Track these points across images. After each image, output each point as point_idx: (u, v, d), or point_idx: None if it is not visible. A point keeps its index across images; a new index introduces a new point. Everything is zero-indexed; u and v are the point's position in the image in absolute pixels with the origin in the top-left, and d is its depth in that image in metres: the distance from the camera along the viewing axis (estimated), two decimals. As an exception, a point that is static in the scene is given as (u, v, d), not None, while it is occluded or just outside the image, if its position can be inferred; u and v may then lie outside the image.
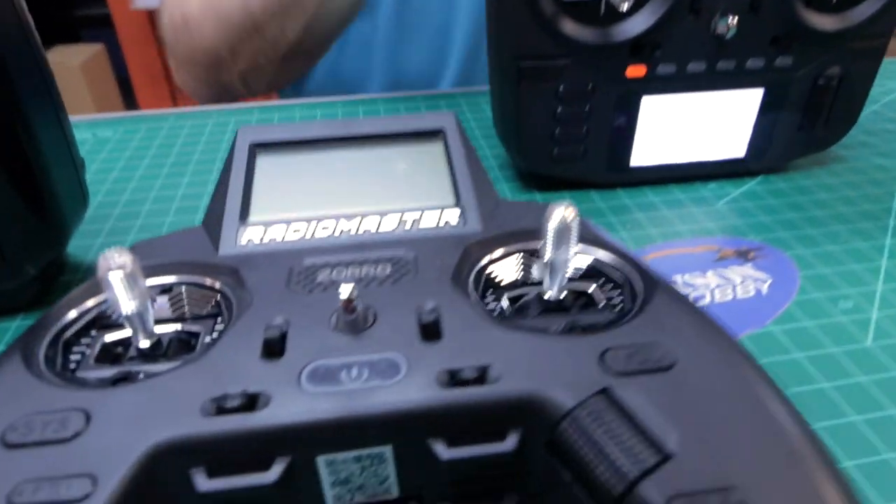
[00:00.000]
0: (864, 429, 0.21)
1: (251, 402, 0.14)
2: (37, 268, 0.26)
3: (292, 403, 0.14)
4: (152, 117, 0.45)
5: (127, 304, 0.15)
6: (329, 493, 0.14)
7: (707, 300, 0.27)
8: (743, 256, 0.29)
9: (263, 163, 0.22)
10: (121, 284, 0.15)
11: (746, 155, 0.35)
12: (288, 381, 0.14)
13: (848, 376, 0.23)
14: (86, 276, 0.29)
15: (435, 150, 0.23)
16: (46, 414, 0.13)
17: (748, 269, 0.29)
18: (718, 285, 0.28)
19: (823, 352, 0.24)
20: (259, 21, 0.48)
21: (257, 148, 0.23)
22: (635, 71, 0.31)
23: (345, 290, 0.15)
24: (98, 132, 0.43)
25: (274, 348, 0.15)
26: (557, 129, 0.32)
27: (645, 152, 0.34)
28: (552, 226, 0.17)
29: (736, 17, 0.29)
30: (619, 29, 0.30)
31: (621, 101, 0.32)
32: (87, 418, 0.13)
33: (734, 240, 0.31)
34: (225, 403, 0.14)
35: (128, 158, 0.40)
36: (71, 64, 1.67)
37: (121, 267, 0.15)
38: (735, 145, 0.34)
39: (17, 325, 0.26)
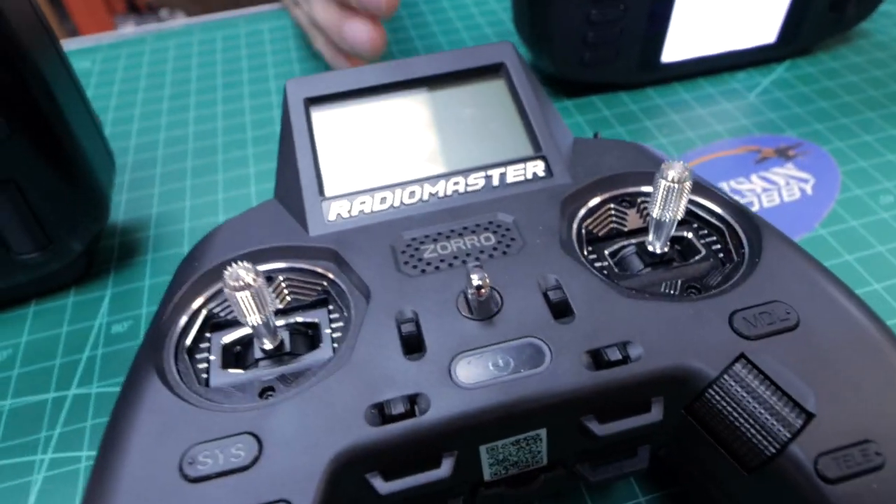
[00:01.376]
0: (917, 326, 0.23)
1: (412, 406, 0.14)
2: (83, 244, 0.24)
3: (452, 403, 0.14)
4: (131, 41, 0.41)
5: (254, 318, 0.15)
6: (487, 471, 0.15)
7: (756, 207, 0.28)
8: (783, 155, 0.30)
9: (322, 121, 0.21)
10: (250, 302, 0.14)
11: (777, 40, 0.34)
12: (440, 379, 0.14)
13: (896, 275, 0.24)
14: (125, 239, 0.28)
15: (499, 88, 0.22)
16: (217, 442, 0.14)
17: (791, 170, 0.29)
18: (765, 189, 0.28)
19: (872, 252, 0.25)
20: None
21: (311, 104, 0.21)
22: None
23: (475, 277, 0.15)
24: (75, 63, 0.39)
25: (414, 345, 0.15)
26: (591, 33, 0.31)
27: (677, 47, 0.33)
28: (664, 185, 0.16)
29: None
30: (662, -82, 0.27)
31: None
32: (259, 442, 0.14)
33: (773, 137, 0.31)
34: (389, 410, 0.14)
35: (119, 94, 0.37)
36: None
37: (248, 287, 0.14)
38: (766, 31, 0.33)
39: (72, 302, 0.26)
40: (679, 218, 0.17)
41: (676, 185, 0.16)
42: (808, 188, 0.28)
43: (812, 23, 0.33)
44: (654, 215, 0.17)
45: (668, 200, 0.17)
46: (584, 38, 0.31)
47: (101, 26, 1.71)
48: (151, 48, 0.40)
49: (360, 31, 0.27)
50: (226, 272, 0.14)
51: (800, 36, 0.34)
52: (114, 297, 0.26)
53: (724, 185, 0.29)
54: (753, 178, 0.29)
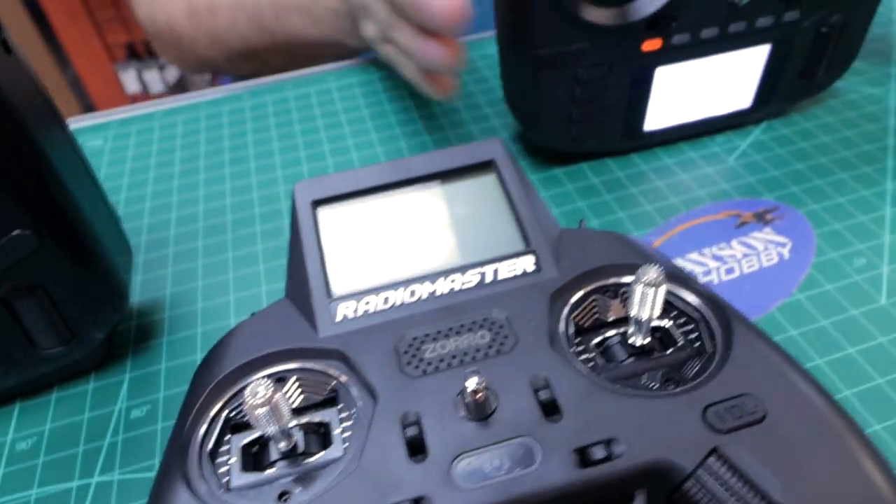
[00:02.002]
0: (888, 390, 0.24)
1: (419, 509, 0.16)
2: (105, 333, 0.26)
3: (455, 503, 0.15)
4: (140, 117, 0.43)
5: (272, 429, 0.16)
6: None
7: (737, 273, 0.29)
8: (762, 219, 0.31)
9: (328, 222, 0.23)
10: (268, 415, 0.16)
11: (752, 105, 0.36)
12: (442, 482, 0.16)
13: (870, 338, 0.26)
14: (141, 322, 0.30)
15: (491, 185, 0.23)
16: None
17: (769, 234, 0.31)
18: (745, 255, 0.30)
19: (845, 316, 0.27)
20: (259, 51, 0.48)
21: (317, 205, 0.23)
22: (651, 45, 0.31)
23: (472, 383, 0.17)
24: (87, 142, 0.41)
25: (418, 447, 0.17)
26: (576, 110, 0.33)
27: (658, 117, 0.35)
28: (640, 288, 0.18)
29: (748, -17, 0.29)
30: (637, 7, 0.29)
31: (636, 75, 0.32)
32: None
33: (751, 201, 0.32)
34: (398, 515, 0.15)
35: (131, 171, 0.38)
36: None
37: (266, 403, 0.16)
38: (742, 97, 0.35)
39: (92, 388, 0.27)
40: (656, 316, 0.19)
41: (652, 289, 0.18)
42: (786, 252, 0.30)
43: (784, 88, 0.36)
44: (633, 314, 0.19)
45: (644, 302, 0.18)
46: (569, 115, 0.33)
47: (104, 75, 1.75)
48: (161, 123, 0.42)
49: (435, 51, 0.30)
50: (246, 391, 0.16)
51: (774, 100, 0.36)
52: (132, 381, 0.27)
53: (706, 252, 0.30)
54: (734, 243, 0.31)
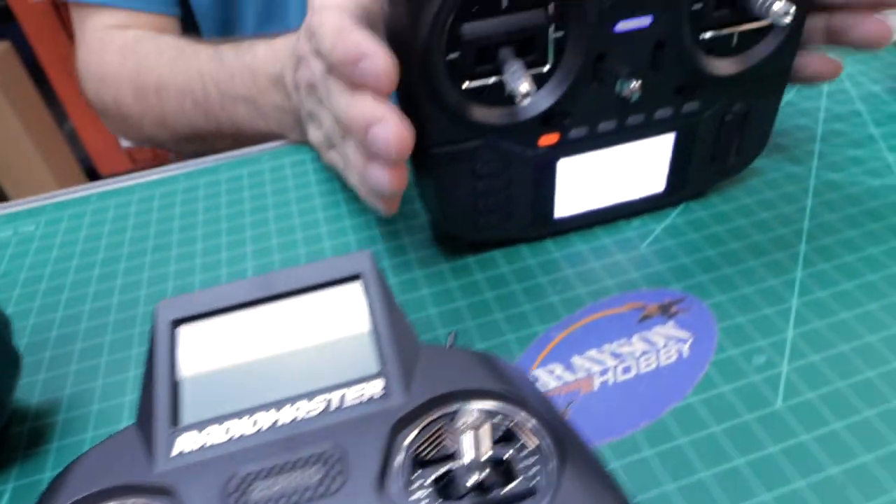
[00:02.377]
0: (772, 508, 0.23)
1: None
2: (-18, 446, 0.26)
3: None
4: (74, 201, 0.43)
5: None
6: None
7: (634, 372, 0.29)
8: (666, 312, 0.31)
9: (185, 343, 0.23)
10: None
11: (665, 190, 0.36)
12: None
13: (760, 447, 0.25)
14: (35, 424, 0.29)
15: (354, 301, 0.23)
16: None
17: (671, 328, 0.30)
18: (644, 352, 0.29)
19: (738, 421, 0.26)
20: (204, 135, 0.49)
21: (177, 325, 0.23)
22: (548, 139, 0.31)
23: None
24: (20, 227, 0.42)
25: None
26: (480, 202, 0.33)
27: (567, 204, 0.35)
28: (461, 433, 0.18)
29: (639, 82, 0.29)
30: (526, 107, 0.30)
31: (538, 167, 0.32)
32: None
33: (658, 292, 0.32)
34: None
35: (56, 260, 0.39)
36: (-25, 65, 1.56)
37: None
38: (654, 182, 0.35)
39: (-26, 498, 0.27)
40: (484, 456, 0.18)
41: (471, 432, 0.18)
42: (686, 349, 0.29)
43: (696, 173, 0.36)
44: (461, 457, 0.18)
45: (467, 444, 0.18)
46: (474, 207, 0.33)
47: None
48: (94, 208, 0.43)
49: (381, 176, 0.29)
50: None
51: (687, 184, 0.36)
52: (15, 491, 0.27)
53: (606, 348, 0.30)
54: (635, 339, 0.30)
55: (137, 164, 1.93)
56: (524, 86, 0.26)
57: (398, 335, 0.22)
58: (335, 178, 0.42)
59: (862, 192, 0.37)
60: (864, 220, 0.35)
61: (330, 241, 0.37)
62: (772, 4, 0.27)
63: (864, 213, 0.35)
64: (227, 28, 0.63)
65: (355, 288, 0.24)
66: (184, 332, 0.23)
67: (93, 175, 1.94)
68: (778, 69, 0.32)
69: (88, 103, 0.55)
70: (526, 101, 0.26)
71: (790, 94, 0.46)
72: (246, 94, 0.46)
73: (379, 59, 0.26)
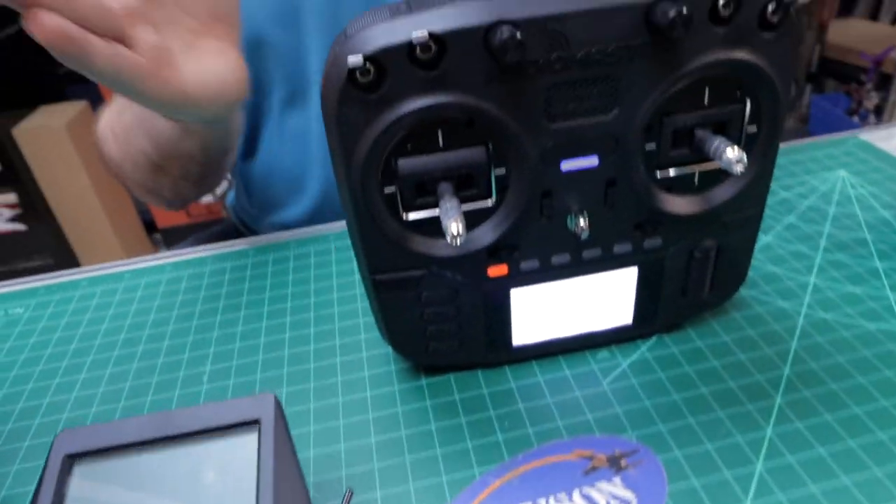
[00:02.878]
0: None
1: None
2: None
3: None
4: (64, 285, 0.45)
5: None
6: None
7: (565, 535, 0.26)
8: (615, 465, 0.29)
9: (77, 479, 0.22)
10: None
11: (634, 322, 0.34)
12: None
13: None
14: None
15: (247, 448, 0.22)
16: None
17: (616, 486, 0.28)
18: (581, 512, 0.27)
19: None
20: (161, 164, 0.50)
21: (71, 460, 0.23)
22: (497, 270, 0.30)
23: None
24: (10, 308, 0.43)
25: None
26: (429, 327, 0.32)
27: (526, 333, 0.33)
28: None
29: (586, 220, 0.28)
30: (468, 239, 0.29)
31: (489, 296, 0.31)
32: None
33: (611, 440, 0.30)
34: None
35: (32, 346, 0.40)
36: (56, 125, 1.69)
37: None
38: (620, 315, 0.34)
39: None
40: None
41: None
42: (628, 512, 0.27)
43: (667, 306, 0.34)
44: None
45: None
46: (423, 332, 0.32)
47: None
48: (82, 294, 0.44)
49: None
50: None
51: (657, 318, 0.34)
52: None
53: (541, 502, 0.28)
54: (575, 495, 0.28)
55: (192, 217, 2.02)
56: (454, 227, 0.25)
57: (284, 488, 0.21)
58: (297, 282, 0.43)
59: (855, 336, 0.33)
60: (852, 372, 0.31)
61: (290, 349, 0.37)
62: (724, 151, 0.26)
63: (854, 363, 0.32)
64: (254, 113, 0.65)
65: (250, 438, 0.23)
66: (77, 469, 0.23)
67: (151, 228, 2.04)
68: (748, 206, 0.31)
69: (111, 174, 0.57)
70: (457, 242, 0.25)
71: (792, 217, 0.43)
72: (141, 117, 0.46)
73: None
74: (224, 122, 0.45)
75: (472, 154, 0.27)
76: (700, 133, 0.28)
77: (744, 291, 0.37)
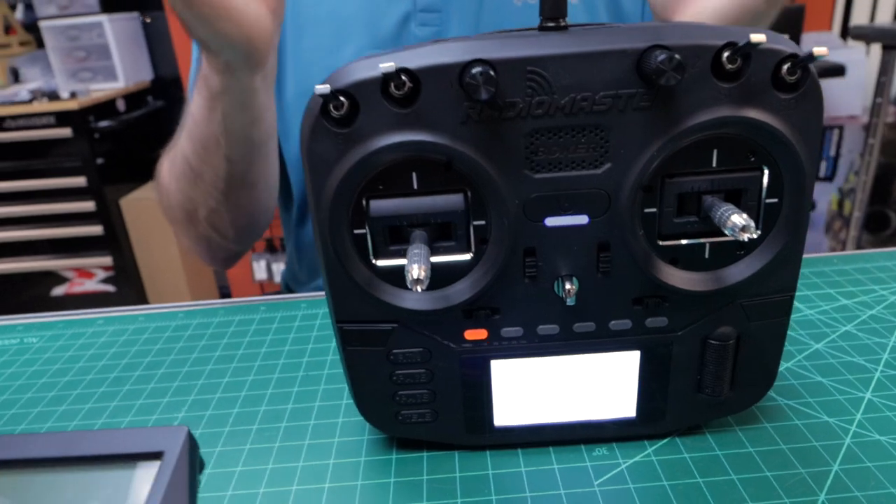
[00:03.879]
0: None
1: None
2: None
3: None
4: (81, 322, 0.46)
5: None
6: None
7: None
8: (587, 581, 0.24)
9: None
10: None
11: (638, 417, 0.29)
12: None
13: None
14: None
15: (141, 481, 0.20)
16: None
17: None
18: None
19: None
20: (195, 167, 0.51)
21: (-33, 472, 0.21)
22: (475, 334, 0.27)
23: None
24: (26, 337, 0.44)
25: None
26: (398, 392, 0.29)
27: (510, 413, 0.29)
28: None
29: (573, 284, 0.25)
30: (443, 295, 0.27)
31: (467, 364, 0.28)
32: None
33: (587, 550, 0.25)
34: None
35: (30, 375, 0.40)
36: (155, 199, 1.84)
37: None
38: (622, 405, 0.29)
39: None
40: None
41: None
42: None
43: (679, 403, 0.29)
44: None
45: None
46: (392, 397, 0.29)
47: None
48: (94, 331, 0.45)
49: None
50: None
51: (667, 415, 0.29)
52: None
53: None
54: None
55: (264, 290, 2.09)
56: (415, 270, 0.23)
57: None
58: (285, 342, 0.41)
59: (915, 468, 0.27)
60: (907, 510, 0.25)
61: (267, 406, 0.35)
62: (729, 216, 0.23)
63: (910, 500, 0.26)
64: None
65: (148, 472, 0.21)
66: (-27, 481, 0.21)
67: (226, 297, 2.13)
68: (774, 290, 0.27)
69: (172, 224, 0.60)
70: (418, 288, 0.23)
71: (850, 326, 0.38)
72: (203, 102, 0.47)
73: None
74: (250, 63, 0.45)
75: (448, 201, 0.25)
76: (709, 200, 0.25)
77: (781, 400, 0.32)
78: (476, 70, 0.22)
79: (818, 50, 0.22)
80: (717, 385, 0.28)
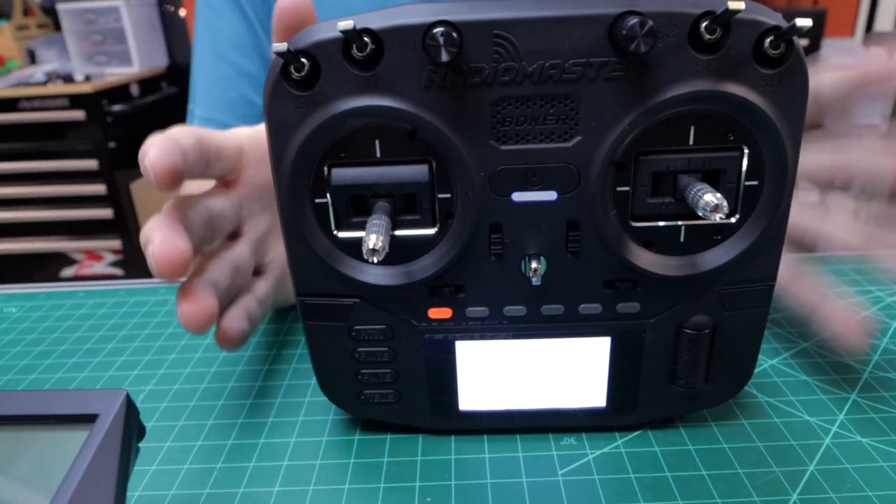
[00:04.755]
0: None
1: None
2: None
3: None
4: (61, 294, 0.46)
5: None
6: None
7: None
8: (539, 572, 0.23)
9: None
10: None
11: (609, 407, 0.28)
12: None
13: None
14: None
15: (71, 443, 0.20)
16: None
17: None
18: None
19: None
20: None
21: None
22: (439, 313, 0.26)
23: None
24: (4, 307, 0.44)
25: None
26: (360, 370, 0.28)
27: (476, 398, 0.28)
28: None
29: (540, 263, 0.24)
30: (406, 271, 0.26)
31: (431, 344, 0.27)
32: None
33: (543, 540, 0.24)
34: None
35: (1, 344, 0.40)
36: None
37: None
38: (590, 394, 0.28)
39: None
40: None
41: None
42: None
43: (651, 394, 0.28)
44: None
45: None
46: (354, 376, 0.28)
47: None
48: (73, 303, 0.44)
49: (178, 304, 0.28)
50: None
51: (639, 406, 0.28)
52: None
53: None
54: None
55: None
56: (372, 239, 0.22)
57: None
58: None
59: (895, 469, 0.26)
60: (884, 514, 0.24)
61: (235, 382, 0.34)
62: (702, 195, 0.22)
63: (889, 501, 0.24)
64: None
65: (79, 435, 0.20)
66: None
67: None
68: (752, 279, 0.25)
69: None
70: (374, 259, 0.22)
71: (841, 324, 0.36)
72: None
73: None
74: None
75: (412, 171, 0.24)
76: (685, 180, 0.24)
77: (762, 397, 0.31)
78: (437, 31, 0.21)
79: (801, 21, 0.21)
80: (692, 377, 0.27)
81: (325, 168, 0.24)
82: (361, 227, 0.25)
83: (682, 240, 0.25)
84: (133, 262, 1.92)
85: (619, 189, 0.24)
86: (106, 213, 1.85)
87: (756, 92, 0.22)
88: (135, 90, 1.91)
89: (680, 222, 0.25)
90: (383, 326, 0.27)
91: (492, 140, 0.23)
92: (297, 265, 0.26)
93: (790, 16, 0.27)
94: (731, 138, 0.23)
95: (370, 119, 0.23)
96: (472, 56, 0.22)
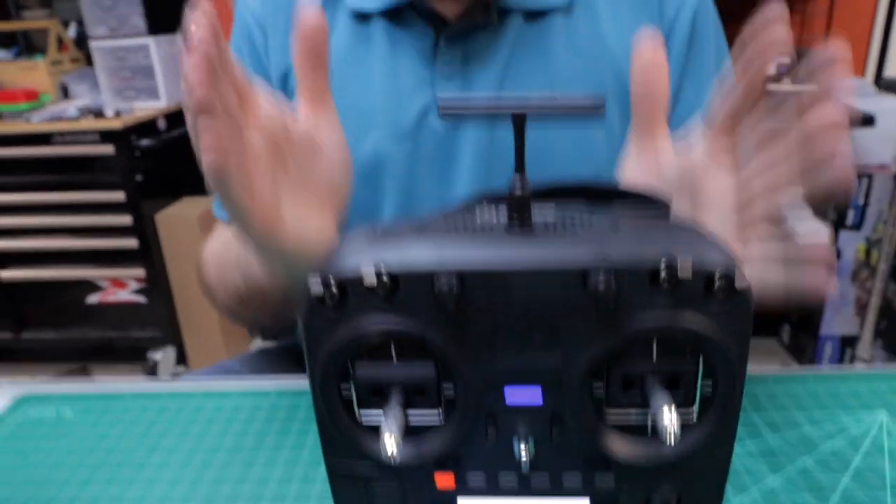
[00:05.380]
0: None
1: None
2: None
3: None
4: (130, 396, 0.51)
5: None
6: None
7: None
8: None
9: None
10: None
11: (590, 546, 0.33)
12: None
13: None
14: None
15: None
16: None
17: None
18: None
19: None
20: (246, 298, 0.56)
21: None
22: (444, 481, 0.31)
23: None
24: (59, 409, 0.50)
25: None
26: (375, 519, 0.33)
27: (475, 542, 0.33)
28: None
29: (529, 452, 0.29)
30: (416, 452, 0.30)
31: (437, 502, 0.32)
32: None
33: None
34: None
35: (55, 451, 0.45)
36: (190, 215, 1.92)
37: None
38: (576, 530, 0.33)
39: None
40: None
41: None
42: None
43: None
44: None
45: None
46: (370, 521, 0.33)
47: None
48: (126, 405, 0.50)
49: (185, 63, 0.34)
50: None
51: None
52: None
53: None
54: None
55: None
56: (388, 445, 0.27)
57: None
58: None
59: None
60: None
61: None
62: (661, 416, 0.26)
63: None
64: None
65: None
66: None
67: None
68: (705, 466, 0.30)
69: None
70: (392, 461, 0.27)
71: (809, 460, 0.40)
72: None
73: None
74: (301, 274, 0.49)
75: (421, 369, 0.29)
76: (651, 381, 0.28)
77: (725, 540, 0.35)
78: (444, 286, 0.26)
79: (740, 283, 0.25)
80: (661, 536, 0.32)
81: (350, 363, 0.29)
82: (378, 405, 0.30)
83: (649, 429, 0.30)
84: (157, 290, 1.99)
85: (595, 387, 0.29)
86: (131, 242, 1.93)
87: (710, 320, 0.27)
88: (161, 124, 1.99)
89: (646, 419, 0.29)
90: (398, 493, 0.32)
91: (487, 352, 0.28)
92: (326, 436, 0.31)
93: (801, 55, 0.31)
94: (688, 353, 0.28)
95: (388, 334, 0.28)
96: (471, 296, 0.27)
